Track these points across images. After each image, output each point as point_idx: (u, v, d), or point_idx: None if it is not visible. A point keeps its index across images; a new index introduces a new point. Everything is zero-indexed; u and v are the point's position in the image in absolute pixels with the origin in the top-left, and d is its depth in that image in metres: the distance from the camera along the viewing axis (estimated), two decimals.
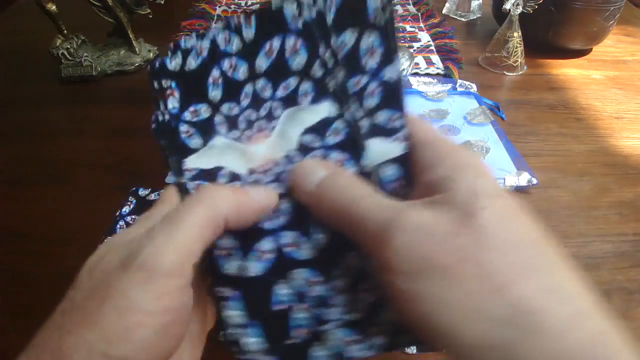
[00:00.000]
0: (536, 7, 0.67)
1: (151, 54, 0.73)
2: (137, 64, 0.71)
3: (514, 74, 0.72)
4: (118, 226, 0.45)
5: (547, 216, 0.47)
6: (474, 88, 0.66)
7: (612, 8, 0.70)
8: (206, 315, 0.24)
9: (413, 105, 0.62)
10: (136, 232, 0.20)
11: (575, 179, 0.52)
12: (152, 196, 0.49)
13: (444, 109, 0.62)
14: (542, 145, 0.57)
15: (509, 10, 0.68)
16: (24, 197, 0.50)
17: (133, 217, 0.46)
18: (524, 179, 0.50)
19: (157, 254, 0.18)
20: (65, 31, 0.68)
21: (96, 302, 0.18)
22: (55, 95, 0.66)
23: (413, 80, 0.66)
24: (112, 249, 0.20)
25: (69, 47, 0.67)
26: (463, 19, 0.90)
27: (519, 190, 0.50)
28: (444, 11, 0.92)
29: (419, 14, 0.90)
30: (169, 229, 0.19)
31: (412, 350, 0.35)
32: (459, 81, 0.66)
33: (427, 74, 0.71)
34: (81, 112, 0.62)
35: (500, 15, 0.75)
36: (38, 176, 0.52)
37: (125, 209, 0.47)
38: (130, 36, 0.70)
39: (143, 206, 0.47)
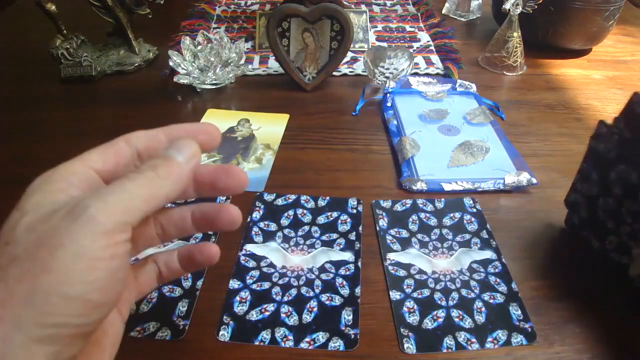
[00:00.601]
0: (536, 7, 0.67)
1: (151, 54, 0.73)
2: (136, 64, 0.71)
3: (514, 74, 0.72)
4: None
5: (547, 216, 0.47)
6: (473, 88, 0.66)
7: (612, 8, 0.70)
8: (132, 283, 0.30)
9: (412, 106, 0.62)
10: (61, 193, 0.23)
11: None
12: None
13: (443, 109, 0.62)
14: (542, 145, 0.57)
15: (509, 10, 0.68)
16: None
17: None
18: (523, 178, 0.50)
19: (108, 212, 0.21)
20: (65, 31, 0.69)
21: (48, 250, 0.20)
22: (55, 95, 0.66)
23: (413, 80, 0.66)
24: (41, 209, 0.22)
25: (68, 47, 0.67)
26: (463, 19, 0.90)
27: (518, 190, 0.50)
28: (443, 11, 0.92)
29: (419, 14, 0.90)
30: (121, 196, 0.22)
31: (412, 350, 0.35)
32: (459, 81, 0.66)
33: (427, 74, 0.71)
34: (81, 112, 0.63)
35: (500, 15, 0.75)
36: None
37: None
38: (130, 36, 0.70)
39: None
